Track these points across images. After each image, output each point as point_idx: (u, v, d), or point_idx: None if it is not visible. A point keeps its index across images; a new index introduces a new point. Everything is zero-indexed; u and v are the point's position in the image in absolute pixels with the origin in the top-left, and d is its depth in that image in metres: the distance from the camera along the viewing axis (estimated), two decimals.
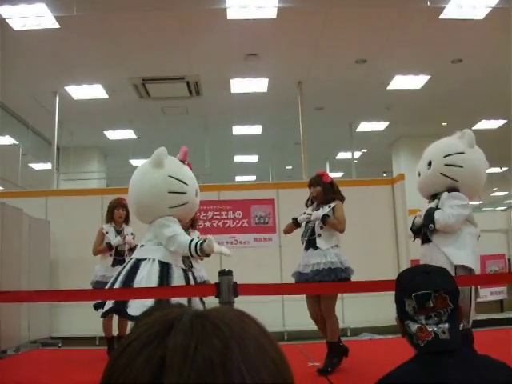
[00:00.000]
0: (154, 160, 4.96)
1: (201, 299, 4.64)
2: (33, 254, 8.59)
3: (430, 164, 5.05)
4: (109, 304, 4.70)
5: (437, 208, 4.82)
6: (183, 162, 5.13)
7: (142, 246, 5.00)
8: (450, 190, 4.84)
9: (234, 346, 0.58)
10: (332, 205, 5.51)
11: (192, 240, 4.68)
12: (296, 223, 5.74)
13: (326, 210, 5.49)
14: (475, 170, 5.05)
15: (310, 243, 5.50)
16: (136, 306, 4.50)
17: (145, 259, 4.80)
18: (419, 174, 5.22)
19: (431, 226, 4.67)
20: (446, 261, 4.47)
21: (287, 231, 5.87)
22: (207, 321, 0.61)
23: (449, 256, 4.58)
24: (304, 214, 5.68)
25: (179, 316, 0.62)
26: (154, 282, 4.62)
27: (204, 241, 4.59)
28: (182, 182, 4.93)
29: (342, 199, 5.69)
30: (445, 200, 4.80)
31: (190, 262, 5.07)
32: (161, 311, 0.65)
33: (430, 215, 4.72)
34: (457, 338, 1.77)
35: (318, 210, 5.58)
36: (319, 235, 5.47)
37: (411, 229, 5.21)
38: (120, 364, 0.59)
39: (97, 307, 4.99)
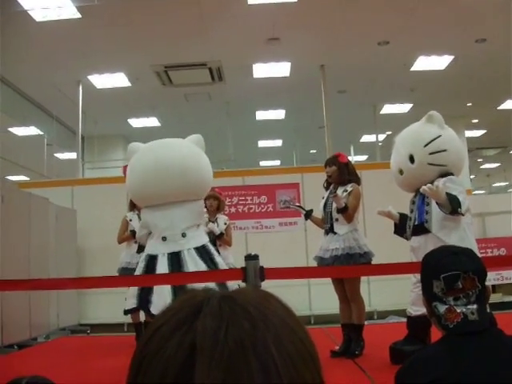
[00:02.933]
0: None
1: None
2: (60, 243, 8.69)
3: (411, 158, 4.84)
4: (132, 303, 4.75)
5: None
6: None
7: None
8: (443, 175, 4.64)
9: (262, 327, 0.58)
10: (349, 189, 5.32)
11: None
12: (308, 215, 5.64)
13: (342, 193, 5.27)
14: (457, 149, 4.97)
15: (330, 228, 5.37)
16: (158, 304, 4.52)
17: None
18: (401, 171, 4.99)
19: (460, 209, 4.30)
20: None
21: (319, 225, 5.65)
22: (235, 303, 0.61)
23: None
24: (323, 198, 5.58)
25: (206, 299, 0.62)
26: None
27: None
28: None
29: (358, 181, 5.52)
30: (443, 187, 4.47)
31: None
32: (186, 295, 0.65)
33: (455, 199, 4.33)
34: (485, 318, 1.75)
35: (335, 192, 5.36)
36: (336, 220, 5.31)
37: (397, 226, 5.11)
38: (151, 349, 0.60)
39: (127, 312, 5.07)
